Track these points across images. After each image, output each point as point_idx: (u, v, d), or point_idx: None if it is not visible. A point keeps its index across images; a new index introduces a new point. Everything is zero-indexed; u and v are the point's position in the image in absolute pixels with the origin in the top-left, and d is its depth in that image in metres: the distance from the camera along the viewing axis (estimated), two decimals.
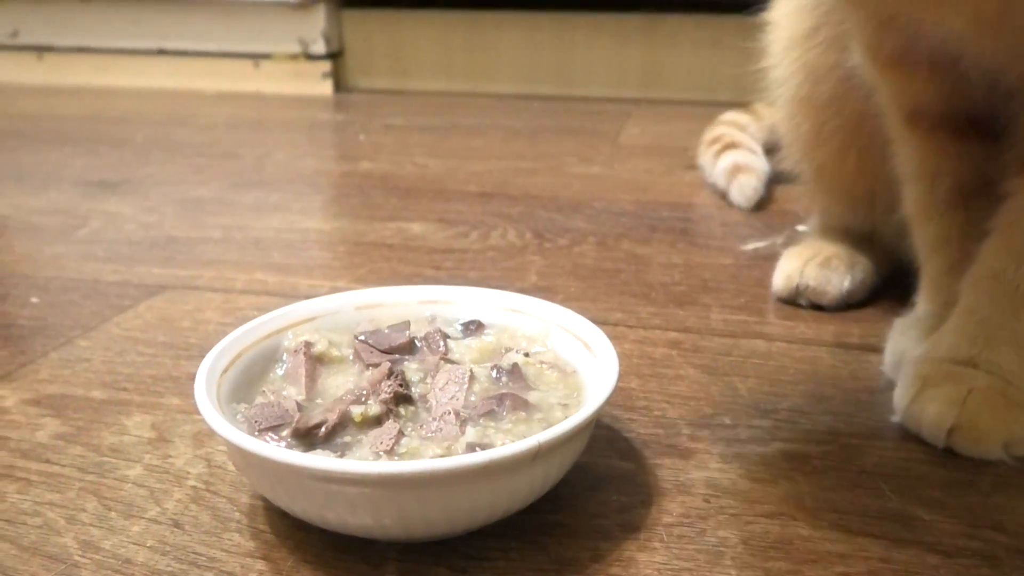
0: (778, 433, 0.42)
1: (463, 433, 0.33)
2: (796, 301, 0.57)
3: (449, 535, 0.33)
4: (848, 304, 0.56)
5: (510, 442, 0.32)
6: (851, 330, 0.54)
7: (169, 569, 0.31)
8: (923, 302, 0.49)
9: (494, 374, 0.38)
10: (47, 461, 0.38)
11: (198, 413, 0.33)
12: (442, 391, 0.36)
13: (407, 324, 0.41)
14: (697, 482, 0.37)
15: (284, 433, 0.34)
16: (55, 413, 0.42)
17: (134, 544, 0.33)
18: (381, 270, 0.64)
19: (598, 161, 1.06)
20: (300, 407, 0.35)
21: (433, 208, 0.81)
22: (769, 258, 0.67)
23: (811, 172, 0.60)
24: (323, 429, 0.33)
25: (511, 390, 0.36)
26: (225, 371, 0.37)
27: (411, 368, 0.38)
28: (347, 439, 0.34)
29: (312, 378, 0.38)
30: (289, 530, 0.34)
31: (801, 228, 0.68)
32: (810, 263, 0.57)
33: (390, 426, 0.34)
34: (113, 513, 0.34)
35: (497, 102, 1.58)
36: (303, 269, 0.64)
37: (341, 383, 0.37)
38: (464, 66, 1.71)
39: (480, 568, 0.32)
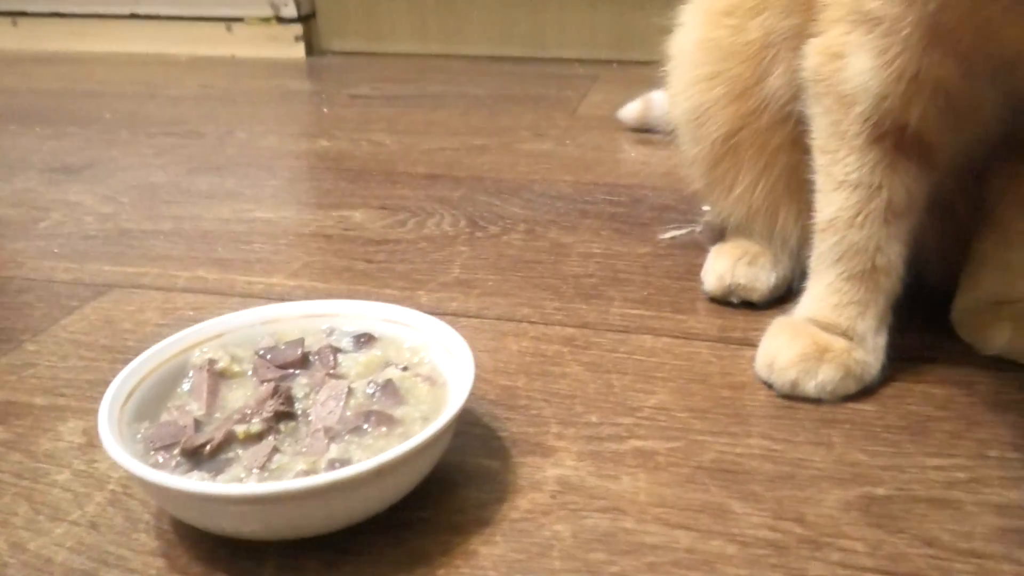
0: (636, 431, 0.47)
1: (327, 450, 0.38)
2: (728, 299, 0.61)
3: (319, 534, 0.38)
4: (775, 299, 0.60)
5: (367, 458, 0.37)
6: (736, 325, 0.59)
7: (83, 567, 0.37)
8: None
9: (369, 389, 0.42)
10: None
11: None
12: (323, 406, 0.41)
13: (301, 340, 0.45)
14: (550, 479, 0.43)
15: (175, 452, 0.38)
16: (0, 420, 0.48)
17: (55, 545, 0.38)
18: (315, 264, 0.69)
19: (552, 136, 1.09)
20: (198, 423, 0.40)
21: (379, 194, 0.86)
22: (684, 247, 0.72)
23: (712, 190, 0.64)
24: (208, 447, 0.38)
25: (381, 405, 0.41)
26: (132, 391, 0.41)
27: (300, 383, 0.43)
28: (230, 455, 0.38)
29: (213, 393, 0.42)
30: (188, 530, 0.39)
31: (706, 208, 0.72)
32: (739, 262, 0.61)
33: (267, 444, 0.38)
34: (41, 516, 0.40)
35: (468, 65, 1.59)
36: (243, 265, 0.69)
37: (240, 397, 0.42)
38: (437, 28, 1.72)
39: (347, 561, 0.38)
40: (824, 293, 0.51)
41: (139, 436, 0.40)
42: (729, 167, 0.61)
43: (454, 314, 0.60)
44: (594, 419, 0.48)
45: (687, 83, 0.62)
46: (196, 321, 0.59)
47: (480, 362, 0.54)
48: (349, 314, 0.48)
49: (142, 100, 1.29)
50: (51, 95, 1.34)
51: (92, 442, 0.46)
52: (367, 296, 0.63)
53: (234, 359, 0.44)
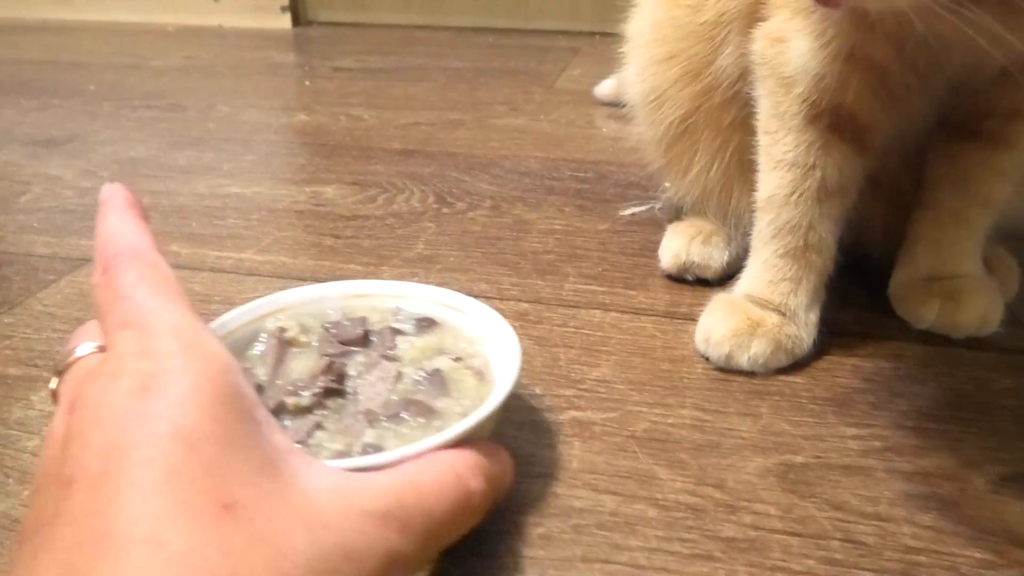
0: (576, 402, 0.50)
1: (364, 434, 0.37)
2: (684, 277, 0.64)
3: None
4: (729, 275, 0.62)
5: (399, 446, 0.36)
6: (684, 300, 0.61)
7: None
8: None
9: (418, 376, 0.41)
10: None
11: None
12: (370, 388, 0.40)
13: (364, 319, 0.45)
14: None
15: None
16: None
17: (22, 506, 0.41)
18: (285, 239, 0.71)
19: (527, 111, 1.11)
20: (260, 387, 0.40)
21: (352, 169, 0.88)
22: (643, 224, 0.74)
23: (670, 170, 0.66)
24: None
25: (424, 395, 0.40)
26: None
27: (357, 361, 0.42)
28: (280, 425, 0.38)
29: (279, 361, 0.42)
30: None
31: (667, 185, 0.74)
32: (693, 241, 0.64)
33: (311, 419, 0.38)
34: (10, 480, 0.43)
35: (452, 36, 1.60)
36: (215, 240, 0.71)
37: (303, 367, 0.42)
38: None
39: None
40: (760, 270, 0.54)
41: None
42: (685, 148, 0.63)
43: None
44: (538, 391, 0.50)
45: (644, 64, 0.64)
46: None
47: None
48: (419, 296, 0.48)
49: (126, 71, 1.31)
50: (36, 66, 1.36)
51: None
52: (331, 271, 0.65)
53: (303, 329, 0.44)
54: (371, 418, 0.39)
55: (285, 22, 1.71)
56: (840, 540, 0.39)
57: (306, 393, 0.40)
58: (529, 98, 1.17)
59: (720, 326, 0.52)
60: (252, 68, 1.36)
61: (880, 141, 0.53)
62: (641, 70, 0.65)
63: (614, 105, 1.06)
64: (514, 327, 0.58)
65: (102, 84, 1.23)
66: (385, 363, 0.42)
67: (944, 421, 0.48)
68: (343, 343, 0.43)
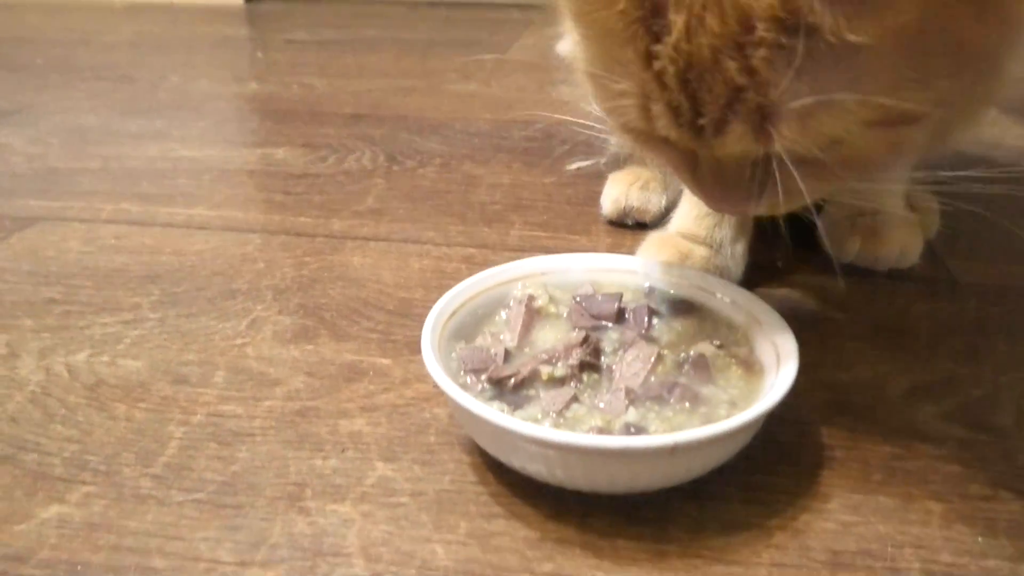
0: None
1: (625, 412, 0.37)
2: (624, 221, 0.66)
3: (597, 492, 0.37)
4: (666, 220, 0.65)
5: (663, 430, 0.36)
6: (624, 243, 0.64)
7: (3, 453, 0.41)
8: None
9: (681, 359, 0.41)
10: None
11: (46, 332, 0.42)
12: (628, 366, 0.40)
13: (620, 295, 0.44)
14: (420, 377, 0.48)
15: (483, 377, 0.40)
16: None
17: None
18: (236, 196, 0.73)
19: (478, 78, 1.13)
20: (508, 353, 0.41)
21: (303, 132, 0.89)
22: (589, 176, 0.76)
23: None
24: (512, 381, 0.39)
25: (688, 380, 0.39)
26: (456, 311, 0.43)
27: (611, 338, 0.42)
28: (531, 392, 0.39)
29: (527, 328, 0.43)
30: (100, 419, 0.44)
31: (612, 140, 0.76)
32: (632, 187, 0.66)
33: (567, 390, 0.38)
34: None
35: (406, 11, 1.61)
36: (166, 198, 0.72)
37: (551, 337, 0.42)
38: None
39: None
40: (688, 207, 0.56)
41: (453, 355, 0.41)
42: None
43: (364, 238, 0.64)
44: None
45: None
46: (118, 249, 0.63)
47: (382, 279, 0.58)
48: (672, 276, 0.47)
49: (75, 46, 1.30)
50: None
51: (15, 352, 0.50)
52: (280, 224, 0.66)
53: (552, 299, 0.45)
54: (631, 397, 0.38)
55: None
56: (761, 443, 0.42)
57: (561, 364, 0.40)
58: (481, 66, 1.18)
59: (652, 260, 0.54)
60: (203, 42, 1.35)
61: None
62: (571, 29, 0.67)
63: None
64: (459, 269, 0.60)
65: (50, 58, 1.22)
66: (643, 343, 0.41)
67: (863, 341, 0.51)
68: (595, 316, 0.43)
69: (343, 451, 0.42)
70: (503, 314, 0.45)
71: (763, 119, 0.33)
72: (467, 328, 0.44)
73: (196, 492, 0.39)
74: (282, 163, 0.80)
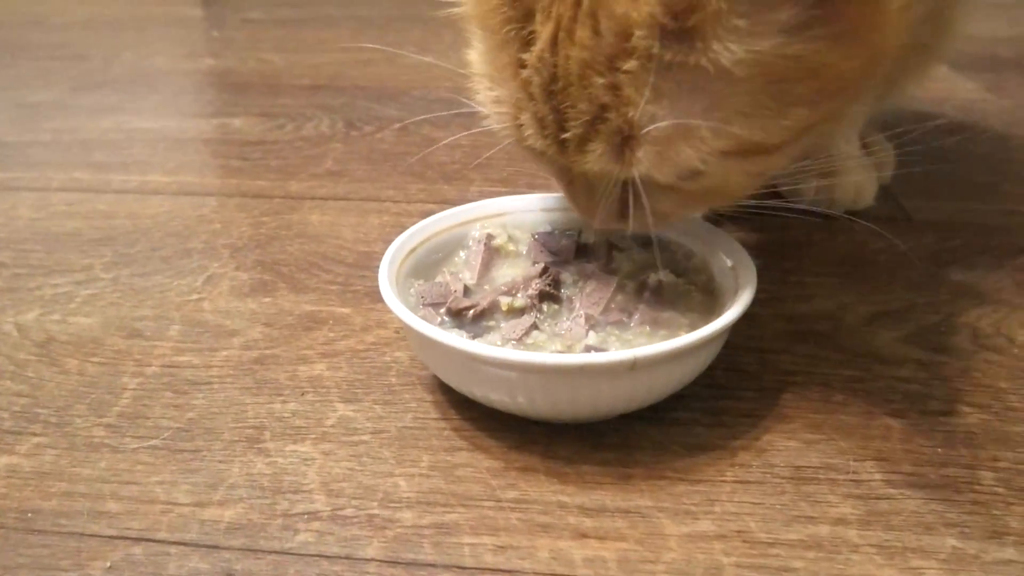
0: None
1: (586, 336, 0.37)
2: None
3: (560, 420, 0.38)
4: None
5: (623, 349, 0.36)
6: None
7: None
8: None
9: (640, 287, 0.40)
10: None
11: None
12: (588, 297, 0.40)
13: (578, 231, 0.44)
14: (395, 320, 0.47)
15: (441, 310, 0.39)
16: None
17: None
18: (192, 163, 0.71)
19: (437, 50, 1.11)
20: (467, 289, 0.41)
21: (260, 103, 0.87)
22: None
23: None
24: (472, 312, 0.39)
25: (648, 305, 0.39)
26: (413, 251, 0.43)
27: (570, 272, 0.42)
28: (490, 323, 0.39)
29: (486, 266, 0.43)
30: (51, 374, 0.43)
31: None
32: None
33: (527, 319, 0.38)
34: None
35: None
36: (119, 166, 0.70)
37: (510, 275, 0.42)
38: None
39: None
40: None
41: (411, 291, 0.41)
42: None
43: (322, 198, 0.63)
44: None
45: None
46: (70, 215, 0.61)
47: (341, 235, 0.58)
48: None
49: (25, 27, 1.26)
50: None
51: None
52: (237, 188, 0.65)
53: (511, 239, 0.44)
54: (591, 323, 0.38)
55: None
56: (724, 370, 0.42)
57: (521, 295, 0.39)
58: (440, 39, 1.17)
59: None
60: (158, 21, 1.33)
61: None
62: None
63: None
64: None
65: None
66: (602, 275, 0.41)
67: (823, 275, 0.51)
68: (554, 252, 0.43)
69: (303, 395, 0.41)
70: (462, 254, 0.45)
71: (623, 142, 0.33)
72: (425, 268, 0.44)
73: (151, 439, 0.39)
74: (238, 131, 0.79)
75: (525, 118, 0.35)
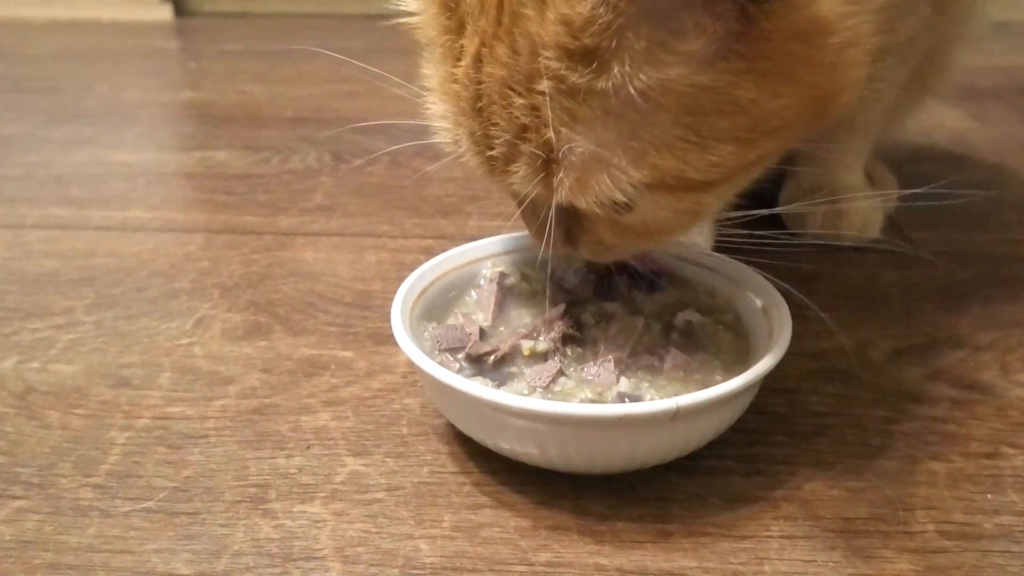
0: None
1: (617, 382, 0.35)
2: None
3: (592, 472, 0.35)
4: None
5: (659, 398, 0.34)
6: None
7: None
8: None
9: (667, 328, 0.39)
10: None
11: None
12: (612, 339, 0.38)
13: (596, 269, 0.42)
14: (400, 364, 0.45)
15: (460, 355, 0.37)
16: None
17: None
18: (175, 198, 0.68)
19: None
20: (483, 332, 0.38)
21: (243, 136, 0.85)
22: None
23: None
24: (492, 358, 0.37)
25: (678, 348, 0.37)
26: (424, 291, 0.41)
27: (590, 311, 0.39)
28: (512, 370, 0.36)
29: (500, 307, 0.40)
30: (31, 428, 0.39)
31: None
32: None
33: (552, 364, 0.36)
34: None
35: (341, 23, 1.57)
36: (99, 202, 0.67)
37: (526, 315, 0.40)
38: None
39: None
40: None
41: (426, 335, 0.39)
42: None
43: (315, 234, 0.61)
44: None
45: None
46: (47, 254, 0.58)
47: (337, 272, 0.55)
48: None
49: None
50: None
51: None
52: (225, 224, 0.63)
53: (524, 277, 0.42)
54: (621, 367, 0.36)
55: (165, 13, 1.64)
56: (753, 413, 0.40)
57: (543, 338, 0.37)
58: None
59: None
60: (132, 54, 1.30)
61: None
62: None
63: None
64: (418, 259, 0.56)
65: None
66: (625, 315, 0.39)
67: (839, 310, 0.50)
68: (571, 292, 0.41)
69: (308, 448, 0.39)
70: (473, 294, 0.43)
71: (543, 165, 0.31)
72: (436, 310, 0.41)
73: (144, 501, 0.36)
74: (222, 165, 0.76)
75: (461, 134, 0.34)
